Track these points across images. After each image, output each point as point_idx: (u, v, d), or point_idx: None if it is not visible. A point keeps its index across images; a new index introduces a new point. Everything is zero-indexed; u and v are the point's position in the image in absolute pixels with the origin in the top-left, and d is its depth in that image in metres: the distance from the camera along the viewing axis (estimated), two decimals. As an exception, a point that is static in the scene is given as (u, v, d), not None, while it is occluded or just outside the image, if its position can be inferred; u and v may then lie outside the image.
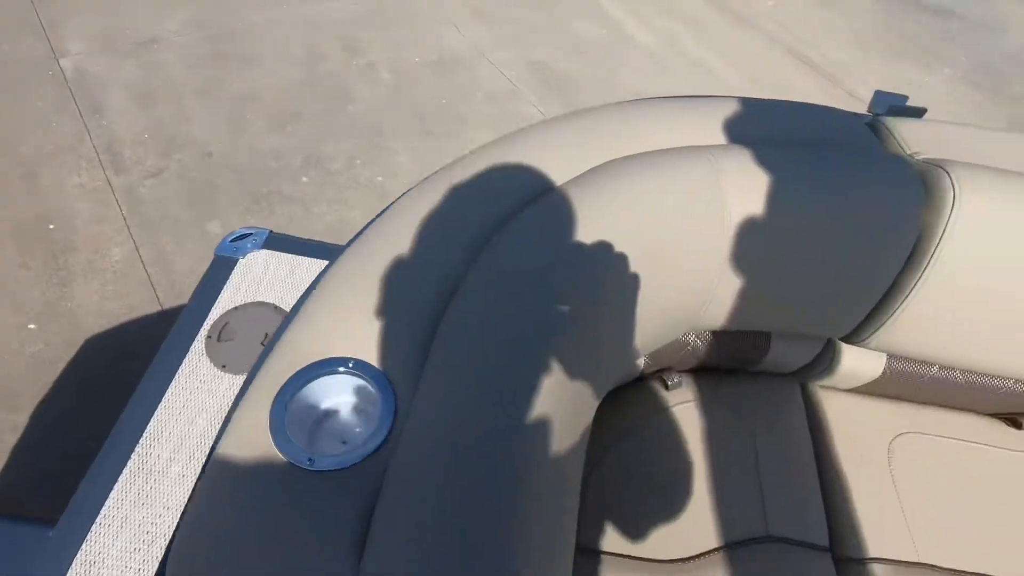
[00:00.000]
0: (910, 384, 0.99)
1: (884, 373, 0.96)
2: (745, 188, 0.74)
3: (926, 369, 0.96)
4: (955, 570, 0.88)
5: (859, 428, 1.00)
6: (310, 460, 0.48)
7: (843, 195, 0.77)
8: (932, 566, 0.87)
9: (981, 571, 0.88)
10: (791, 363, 1.00)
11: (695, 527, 0.85)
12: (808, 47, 2.90)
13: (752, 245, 0.76)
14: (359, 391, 0.53)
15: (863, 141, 0.85)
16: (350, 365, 0.53)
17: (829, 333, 0.92)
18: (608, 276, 0.69)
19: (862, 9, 3.22)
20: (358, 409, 0.54)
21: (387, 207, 0.70)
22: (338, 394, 0.54)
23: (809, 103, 0.92)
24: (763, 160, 0.76)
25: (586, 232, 0.67)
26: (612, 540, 0.83)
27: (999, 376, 0.95)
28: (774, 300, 0.83)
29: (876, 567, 0.86)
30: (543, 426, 0.55)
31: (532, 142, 0.77)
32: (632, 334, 0.77)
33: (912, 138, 0.86)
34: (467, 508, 0.47)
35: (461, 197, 0.69)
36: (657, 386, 0.99)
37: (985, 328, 0.82)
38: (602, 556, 0.81)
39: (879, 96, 0.98)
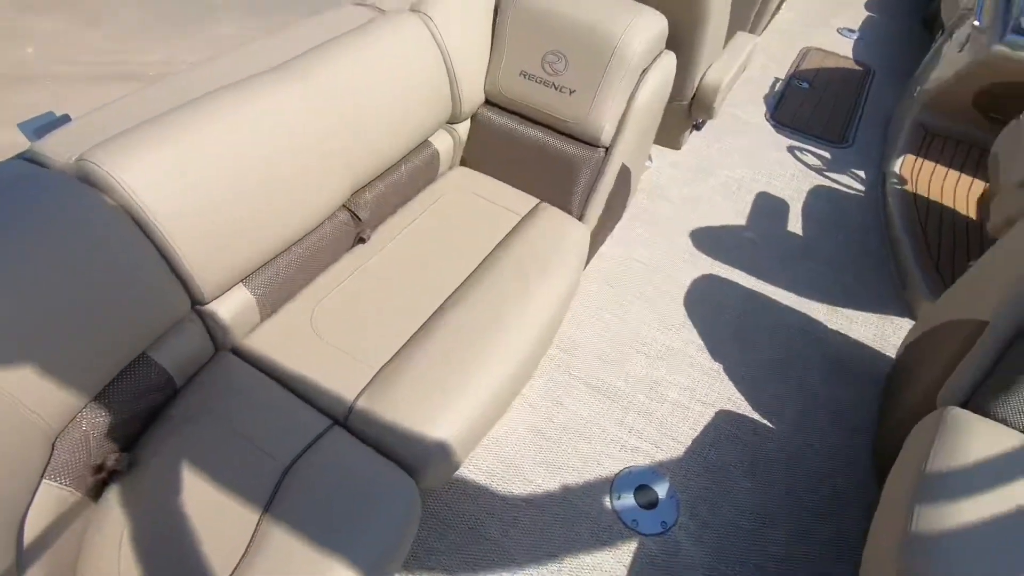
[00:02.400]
0: (270, 279, 1.19)
1: (255, 292, 1.16)
2: None
3: (277, 262, 1.19)
4: (391, 359, 1.17)
5: (284, 331, 1.21)
6: None
7: (15, 230, 0.78)
8: (379, 372, 1.15)
9: (403, 339, 1.20)
10: (195, 352, 1.10)
11: (228, 534, 0.90)
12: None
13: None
14: None
15: (26, 176, 0.86)
16: None
17: (175, 312, 1.01)
18: None
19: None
20: None
21: None
22: None
23: None
24: None
25: None
26: None
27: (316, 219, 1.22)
28: (82, 348, 0.86)
29: (359, 403, 1.10)
30: None
31: None
32: None
33: (64, 148, 0.91)
34: None
35: None
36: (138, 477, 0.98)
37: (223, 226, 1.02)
38: None
39: (24, 126, 0.99)
